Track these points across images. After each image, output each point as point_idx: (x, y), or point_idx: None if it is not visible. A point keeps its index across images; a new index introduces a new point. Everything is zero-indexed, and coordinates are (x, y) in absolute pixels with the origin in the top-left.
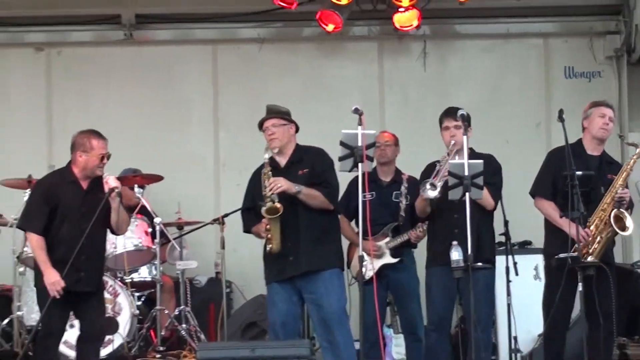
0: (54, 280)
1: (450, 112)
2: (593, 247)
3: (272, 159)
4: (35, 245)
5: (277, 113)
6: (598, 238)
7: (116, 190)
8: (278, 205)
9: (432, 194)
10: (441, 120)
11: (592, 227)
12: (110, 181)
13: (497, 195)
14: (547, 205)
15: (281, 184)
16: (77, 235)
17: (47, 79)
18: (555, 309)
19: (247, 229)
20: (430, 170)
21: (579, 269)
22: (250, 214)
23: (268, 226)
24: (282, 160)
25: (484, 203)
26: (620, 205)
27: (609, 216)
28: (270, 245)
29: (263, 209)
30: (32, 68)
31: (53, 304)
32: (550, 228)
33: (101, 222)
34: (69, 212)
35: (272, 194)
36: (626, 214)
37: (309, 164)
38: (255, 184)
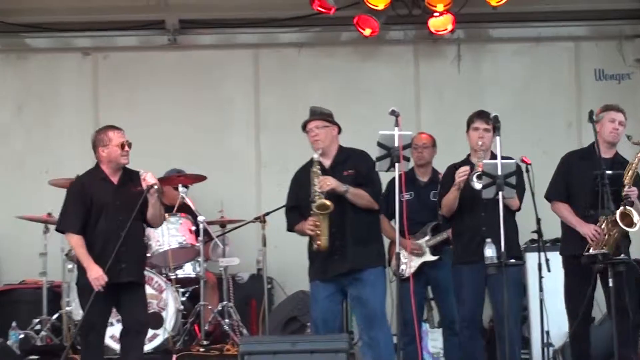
0: (97, 275)
1: (482, 115)
2: (603, 245)
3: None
4: (75, 244)
5: (320, 115)
6: (606, 236)
7: (155, 187)
8: (328, 202)
9: (479, 185)
10: (471, 121)
11: (602, 226)
12: (148, 178)
13: (521, 197)
14: (562, 207)
15: (330, 182)
16: (115, 228)
17: (94, 82)
18: (583, 306)
19: (290, 228)
20: (452, 172)
21: (610, 265)
22: (295, 212)
23: (317, 223)
24: (326, 161)
25: (509, 203)
26: (627, 203)
27: (616, 214)
28: (318, 242)
29: (314, 205)
30: (79, 72)
31: (95, 300)
32: (567, 228)
33: (138, 215)
34: (104, 207)
35: (322, 191)
36: (633, 210)
37: (352, 165)
38: (298, 183)
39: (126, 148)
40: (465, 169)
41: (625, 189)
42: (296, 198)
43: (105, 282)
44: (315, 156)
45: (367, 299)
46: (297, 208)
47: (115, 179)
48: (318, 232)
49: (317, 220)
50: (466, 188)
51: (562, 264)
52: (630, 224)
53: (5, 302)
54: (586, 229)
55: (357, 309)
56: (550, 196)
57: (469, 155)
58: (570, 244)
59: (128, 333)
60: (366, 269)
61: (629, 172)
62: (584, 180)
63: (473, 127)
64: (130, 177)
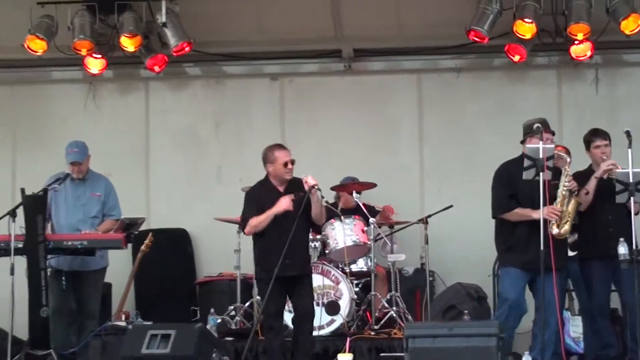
0: (283, 201)
1: (599, 133)
2: None
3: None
4: (252, 222)
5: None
6: None
7: (316, 187)
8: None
9: None
10: (591, 140)
11: None
12: (309, 180)
13: None
14: None
15: (576, 184)
16: (282, 229)
17: (281, 103)
18: None
19: (504, 212)
20: (576, 176)
21: None
22: (513, 199)
23: (560, 212)
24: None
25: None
26: None
27: None
28: (559, 228)
29: (575, 197)
30: (268, 94)
31: (271, 292)
32: None
33: (302, 216)
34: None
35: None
36: None
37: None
38: (512, 175)
39: (289, 166)
40: (612, 161)
41: None
42: (514, 188)
43: (276, 276)
44: (568, 159)
45: (546, 288)
46: (514, 196)
47: (282, 188)
48: (559, 220)
49: (562, 209)
50: (600, 191)
51: None
52: None
53: (205, 291)
54: None
55: (538, 297)
56: None
57: (590, 165)
58: None
59: (298, 318)
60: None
61: None
62: None
63: (594, 146)
64: (296, 184)
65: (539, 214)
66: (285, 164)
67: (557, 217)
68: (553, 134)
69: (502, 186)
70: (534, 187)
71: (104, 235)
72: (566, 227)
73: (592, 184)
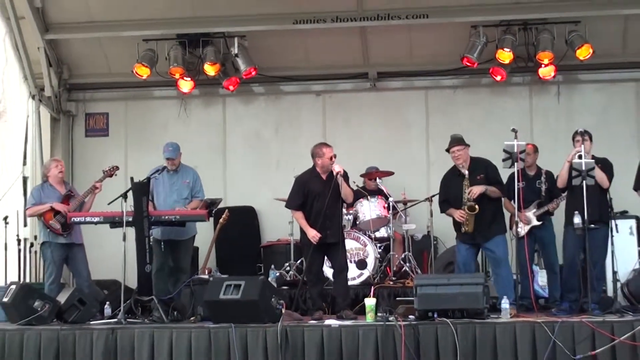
0: (313, 234)
1: (575, 133)
2: None
3: (458, 169)
4: (296, 217)
5: (458, 141)
6: None
7: (339, 173)
8: (477, 207)
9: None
10: (574, 137)
11: None
12: (336, 167)
13: (610, 179)
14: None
15: (475, 190)
16: (323, 208)
17: (323, 113)
18: None
19: (442, 212)
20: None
21: None
22: (445, 203)
23: (466, 217)
24: (464, 170)
25: (602, 182)
26: None
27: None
28: (465, 228)
29: (467, 207)
30: (313, 107)
31: (313, 253)
32: None
33: (337, 197)
34: (316, 195)
35: (471, 198)
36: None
37: (482, 171)
38: (446, 183)
39: (333, 159)
40: (577, 149)
41: None
42: (446, 194)
43: (320, 239)
44: (466, 173)
45: (496, 252)
46: (447, 201)
47: (324, 176)
48: (466, 222)
49: (467, 215)
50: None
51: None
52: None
53: (268, 252)
54: None
55: (490, 257)
56: (635, 187)
57: None
58: None
59: (336, 272)
60: (496, 236)
61: None
62: None
63: (576, 140)
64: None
65: (454, 214)
66: (331, 158)
67: (464, 219)
68: (465, 144)
69: (440, 192)
70: (457, 190)
71: (191, 212)
72: (469, 228)
73: (563, 170)
